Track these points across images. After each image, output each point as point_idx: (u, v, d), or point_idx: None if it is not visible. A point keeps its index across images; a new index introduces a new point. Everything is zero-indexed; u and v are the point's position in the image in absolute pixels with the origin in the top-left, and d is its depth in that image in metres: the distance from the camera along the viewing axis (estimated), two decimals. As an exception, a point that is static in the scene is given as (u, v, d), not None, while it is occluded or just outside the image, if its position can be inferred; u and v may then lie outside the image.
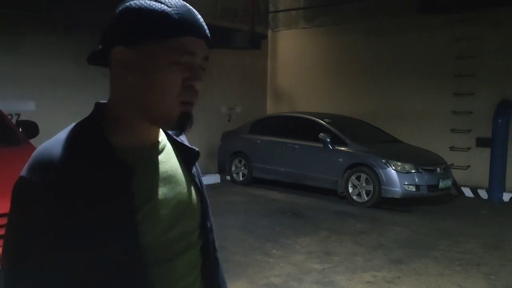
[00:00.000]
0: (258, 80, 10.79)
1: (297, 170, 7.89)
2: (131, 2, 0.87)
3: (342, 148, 7.45)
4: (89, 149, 0.86)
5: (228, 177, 8.92)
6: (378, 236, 5.56)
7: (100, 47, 0.88)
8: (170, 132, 1.01)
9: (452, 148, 8.37)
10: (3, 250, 0.83)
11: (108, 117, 0.90)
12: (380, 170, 6.97)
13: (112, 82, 0.90)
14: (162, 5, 0.85)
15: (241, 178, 8.72)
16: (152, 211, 0.90)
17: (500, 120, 7.69)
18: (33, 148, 3.76)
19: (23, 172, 0.84)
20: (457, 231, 5.82)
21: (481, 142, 8.04)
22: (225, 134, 9.11)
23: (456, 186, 8.14)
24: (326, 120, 8.00)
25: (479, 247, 5.19)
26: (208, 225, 1.07)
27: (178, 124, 0.88)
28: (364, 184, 7.15)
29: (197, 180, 1.03)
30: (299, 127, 8.27)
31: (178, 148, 1.01)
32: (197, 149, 1.04)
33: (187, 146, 1.03)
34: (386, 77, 9.10)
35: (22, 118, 6.03)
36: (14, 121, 5.57)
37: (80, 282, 0.84)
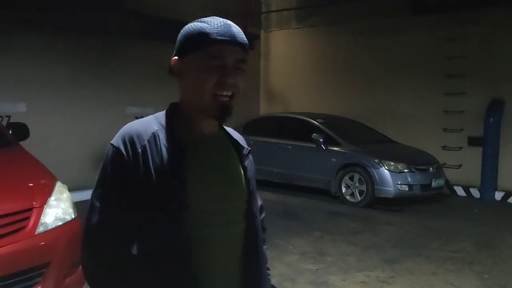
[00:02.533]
0: (251, 80, 10.76)
1: (290, 171, 7.89)
2: (187, 25, 1.18)
3: (335, 148, 7.46)
4: (160, 133, 1.15)
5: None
6: (372, 236, 5.56)
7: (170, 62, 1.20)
8: (226, 129, 1.29)
9: (444, 148, 8.41)
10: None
11: (178, 112, 1.20)
12: (373, 170, 6.99)
13: (179, 86, 1.19)
14: (204, 24, 1.15)
15: (234, 179, 8.71)
16: (200, 183, 1.15)
17: (491, 119, 7.74)
18: (23, 150, 3.72)
19: (113, 140, 1.16)
20: (449, 230, 5.85)
21: (473, 141, 8.09)
22: (218, 135, 9.08)
23: (449, 185, 8.19)
24: (319, 120, 8.01)
25: (471, 246, 5.22)
26: (253, 210, 1.25)
27: (218, 115, 1.14)
28: (357, 184, 7.16)
29: (248, 172, 1.26)
30: (292, 127, 8.27)
31: (233, 144, 1.27)
32: (247, 147, 1.29)
33: (239, 143, 1.28)
34: (378, 77, 9.13)
35: (12, 120, 5.97)
36: (4, 123, 5.51)
37: (135, 223, 1.12)
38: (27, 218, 2.87)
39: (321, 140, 7.49)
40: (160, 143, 1.13)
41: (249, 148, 1.30)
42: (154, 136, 1.14)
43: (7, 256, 2.69)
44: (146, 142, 1.13)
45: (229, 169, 1.22)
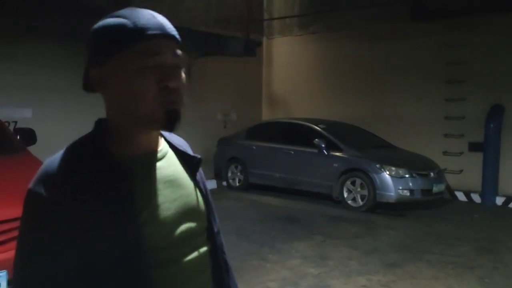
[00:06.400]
0: (253, 86, 10.86)
1: (293, 176, 7.94)
2: (95, 25, 0.92)
3: (337, 154, 7.51)
4: (89, 158, 0.90)
5: (224, 183, 8.95)
6: (373, 240, 5.60)
7: (84, 75, 0.94)
8: (169, 140, 1.04)
9: (445, 153, 8.46)
10: (16, 250, 0.92)
11: (108, 130, 0.94)
12: (374, 175, 7.03)
13: (104, 100, 0.94)
14: (119, 19, 0.89)
15: (237, 184, 8.76)
16: (154, 213, 0.93)
17: (492, 125, 7.79)
18: (31, 156, 3.78)
19: (31, 184, 0.89)
20: (450, 235, 5.88)
21: (474, 147, 8.14)
22: (221, 140, 9.16)
23: (449, 190, 8.22)
24: (321, 126, 8.07)
25: (472, 251, 5.26)
26: (215, 229, 1.10)
27: (165, 123, 0.90)
28: (359, 189, 7.20)
29: (201, 185, 1.07)
30: (294, 133, 8.33)
31: (181, 156, 1.04)
32: (198, 156, 1.07)
33: (188, 154, 1.06)
34: (379, 83, 9.20)
35: (18, 125, 6.04)
36: (11, 128, 5.58)
37: (83, 284, 0.87)
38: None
39: (323, 146, 7.54)
40: (91, 175, 0.88)
41: (199, 157, 1.07)
42: (83, 166, 0.89)
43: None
44: (72, 177, 0.87)
45: (182, 188, 1.00)
